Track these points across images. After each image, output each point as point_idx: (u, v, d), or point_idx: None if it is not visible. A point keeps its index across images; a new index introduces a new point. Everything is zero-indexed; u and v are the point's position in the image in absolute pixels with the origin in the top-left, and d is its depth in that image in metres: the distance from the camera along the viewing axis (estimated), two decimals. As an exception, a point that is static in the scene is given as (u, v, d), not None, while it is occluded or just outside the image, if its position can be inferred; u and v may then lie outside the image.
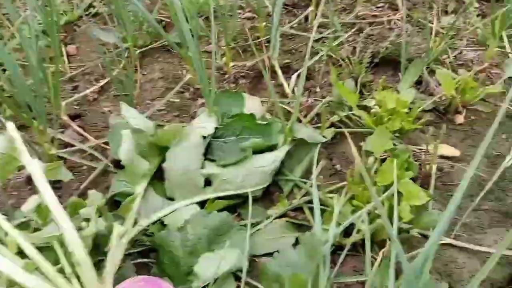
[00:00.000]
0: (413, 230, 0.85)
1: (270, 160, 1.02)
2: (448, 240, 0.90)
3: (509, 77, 1.24)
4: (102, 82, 1.51)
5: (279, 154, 1.03)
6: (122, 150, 0.96)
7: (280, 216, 0.99)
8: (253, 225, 0.99)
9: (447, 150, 1.08)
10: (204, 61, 1.54)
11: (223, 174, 1.02)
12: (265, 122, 1.09)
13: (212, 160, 1.06)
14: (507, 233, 0.91)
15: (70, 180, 1.14)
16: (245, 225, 0.98)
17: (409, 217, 0.81)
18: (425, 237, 0.91)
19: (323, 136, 1.13)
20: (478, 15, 1.55)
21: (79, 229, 0.86)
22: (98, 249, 0.90)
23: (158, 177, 1.07)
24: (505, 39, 1.41)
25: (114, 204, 1.04)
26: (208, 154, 1.08)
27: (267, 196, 1.06)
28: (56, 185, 1.15)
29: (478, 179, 1.02)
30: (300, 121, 1.20)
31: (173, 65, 1.58)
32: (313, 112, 1.15)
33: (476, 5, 1.61)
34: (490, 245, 0.89)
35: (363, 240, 0.87)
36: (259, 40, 1.61)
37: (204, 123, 1.08)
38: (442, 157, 1.07)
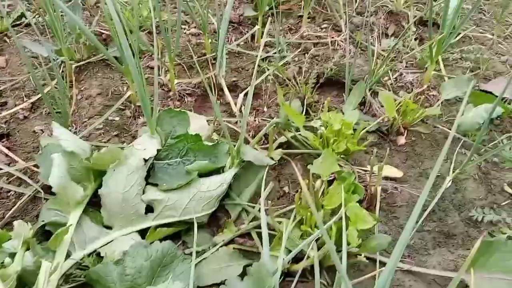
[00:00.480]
0: (361, 256, 0.84)
1: (217, 184, 0.98)
2: (394, 263, 0.90)
3: (445, 100, 1.30)
4: (34, 98, 1.39)
5: (226, 178, 0.99)
6: (52, 175, 0.88)
7: (228, 242, 0.95)
8: (199, 253, 0.94)
9: (390, 171, 1.10)
10: (146, 78, 1.49)
11: (166, 199, 0.96)
12: (212, 143, 1.05)
13: (155, 184, 1.00)
14: (450, 254, 0.93)
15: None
16: (190, 254, 0.93)
17: (357, 242, 0.80)
18: (372, 260, 0.91)
19: (271, 158, 1.11)
20: (415, 39, 1.63)
21: (1, 266, 0.77)
22: (24, 286, 0.80)
23: (94, 203, 0.99)
24: (441, 63, 1.49)
25: (45, 235, 0.94)
26: (150, 177, 1.02)
27: (214, 221, 1.02)
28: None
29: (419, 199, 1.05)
30: (248, 142, 1.18)
31: (113, 80, 1.50)
32: (261, 133, 1.12)
33: (414, 29, 1.69)
34: (435, 267, 0.91)
35: (312, 266, 0.85)
36: (205, 57, 1.58)
37: (146, 145, 1.02)
38: (385, 178, 1.09)
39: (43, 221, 0.91)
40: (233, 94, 1.45)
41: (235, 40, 1.69)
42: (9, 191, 1.08)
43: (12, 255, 0.81)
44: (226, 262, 0.90)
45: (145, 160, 0.99)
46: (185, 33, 1.73)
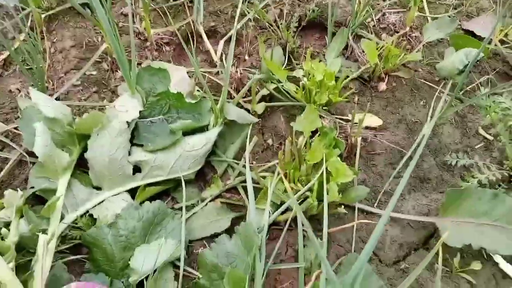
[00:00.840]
0: (341, 208, 0.89)
1: (201, 143, 1.00)
2: (372, 209, 0.96)
3: (427, 42, 1.29)
4: (5, 54, 1.34)
5: (210, 136, 1.00)
6: (37, 145, 0.88)
7: (215, 197, 0.99)
8: (188, 208, 0.98)
9: (370, 120, 1.12)
10: (121, 26, 1.42)
11: (152, 160, 0.98)
12: (194, 101, 1.05)
13: (140, 145, 1.01)
14: (424, 198, 0.99)
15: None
16: (179, 209, 0.97)
17: (337, 197, 0.85)
18: (351, 208, 0.97)
19: (254, 111, 1.12)
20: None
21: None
22: (22, 249, 0.84)
23: (81, 165, 1.00)
24: (425, 2, 1.45)
25: (36, 199, 0.96)
26: (134, 137, 1.02)
27: (201, 177, 1.05)
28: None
29: (397, 146, 1.09)
30: (230, 95, 1.17)
31: (86, 30, 1.43)
32: (244, 89, 1.11)
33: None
34: (409, 211, 0.97)
35: (295, 216, 0.91)
36: (181, 0, 1.51)
37: (127, 105, 1.01)
38: (366, 127, 1.11)
39: (32, 187, 0.93)
40: (212, 40, 1.41)
41: (211, -20, 1.60)
42: (-6, 155, 1.08)
43: (7, 224, 0.84)
44: (215, 216, 0.95)
45: (128, 123, 0.99)
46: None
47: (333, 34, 1.33)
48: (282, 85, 1.15)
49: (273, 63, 1.04)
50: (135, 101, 1.03)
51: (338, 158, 0.90)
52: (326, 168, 0.88)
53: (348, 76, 1.16)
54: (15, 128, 1.12)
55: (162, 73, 1.09)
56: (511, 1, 1.42)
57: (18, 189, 0.92)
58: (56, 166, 0.92)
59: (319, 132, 0.95)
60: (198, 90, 1.19)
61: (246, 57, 1.35)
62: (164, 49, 1.39)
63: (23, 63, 1.29)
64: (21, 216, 0.87)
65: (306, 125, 0.94)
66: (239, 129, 1.06)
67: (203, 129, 1.04)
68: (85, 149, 0.98)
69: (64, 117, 0.97)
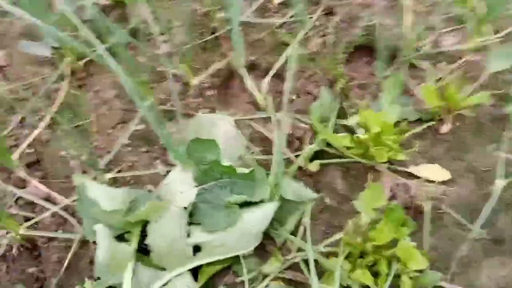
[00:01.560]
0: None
1: (259, 220, 0.97)
2: (446, 285, 0.91)
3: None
4: (51, 113, 1.33)
5: (268, 212, 0.97)
6: (100, 249, 0.90)
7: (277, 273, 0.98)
8: (250, 281, 0.97)
9: (436, 172, 1.04)
10: (159, 70, 1.37)
11: (212, 240, 0.97)
12: (247, 171, 1.01)
13: (198, 223, 1.00)
14: (501, 266, 0.93)
15: (48, 254, 1.08)
16: (241, 283, 0.98)
17: (411, 292, 0.81)
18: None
19: (307, 169, 1.08)
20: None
21: None
22: None
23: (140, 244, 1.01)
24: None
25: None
26: (192, 215, 1.01)
27: (260, 247, 1.03)
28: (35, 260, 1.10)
29: (467, 202, 1.02)
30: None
31: (126, 75, 1.40)
32: (298, 161, 1.06)
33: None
34: (487, 284, 0.91)
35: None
36: (217, 34, 1.43)
37: (182, 185, 1.00)
38: (430, 180, 1.04)
39: (99, 278, 0.95)
40: (252, 75, 1.34)
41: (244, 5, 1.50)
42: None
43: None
44: (279, 297, 0.94)
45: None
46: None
47: (384, 56, 1.22)
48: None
49: (333, 135, 0.98)
50: (189, 178, 1.01)
51: (408, 241, 0.86)
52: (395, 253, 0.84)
53: (408, 128, 1.07)
54: (74, 201, 1.14)
55: (210, 143, 1.05)
56: None
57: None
58: (120, 261, 0.93)
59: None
60: (247, 147, 1.15)
61: (294, 97, 1.28)
62: (206, 93, 1.34)
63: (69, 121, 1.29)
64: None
65: (369, 204, 0.89)
66: (298, 202, 1.02)
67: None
68: (143, 231, 0.99)
69: (120, 205, 0.97)
